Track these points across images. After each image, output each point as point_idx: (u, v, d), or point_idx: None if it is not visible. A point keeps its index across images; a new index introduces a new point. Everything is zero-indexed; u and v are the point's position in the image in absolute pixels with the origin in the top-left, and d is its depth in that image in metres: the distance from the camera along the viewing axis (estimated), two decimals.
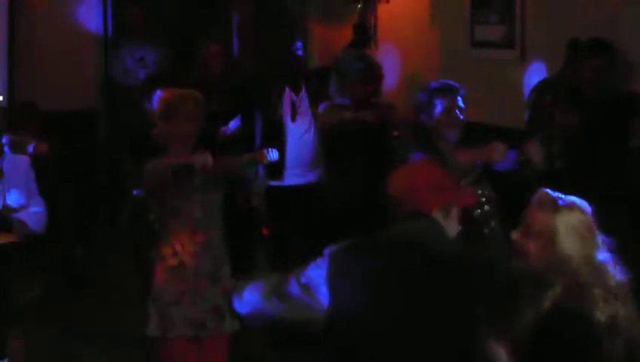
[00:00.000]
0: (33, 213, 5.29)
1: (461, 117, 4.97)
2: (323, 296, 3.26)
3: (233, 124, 6.96)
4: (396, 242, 3.23)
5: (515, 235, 3.34)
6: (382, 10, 8.81)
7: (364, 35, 8.45)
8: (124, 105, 8.53)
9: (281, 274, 3.45)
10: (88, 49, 9.17)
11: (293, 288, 3.34)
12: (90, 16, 9.15)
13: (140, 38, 9.07)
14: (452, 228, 3.33)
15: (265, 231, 6.67)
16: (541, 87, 6.41)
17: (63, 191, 7.72)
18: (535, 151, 4.80)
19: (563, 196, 3.30)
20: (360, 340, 3.21)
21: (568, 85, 6.13)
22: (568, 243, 3.19)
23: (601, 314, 3.12)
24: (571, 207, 3.24)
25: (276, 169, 6.29)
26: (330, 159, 6.25)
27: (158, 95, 5.04)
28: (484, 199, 4.93)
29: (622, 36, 6.09)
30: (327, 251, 3.32)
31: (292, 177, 6.49)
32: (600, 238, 3.26)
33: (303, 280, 3.32)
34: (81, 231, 8.27)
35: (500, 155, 4.69)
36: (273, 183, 6.49)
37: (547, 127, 5.95)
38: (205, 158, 4.72)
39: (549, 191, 3.33)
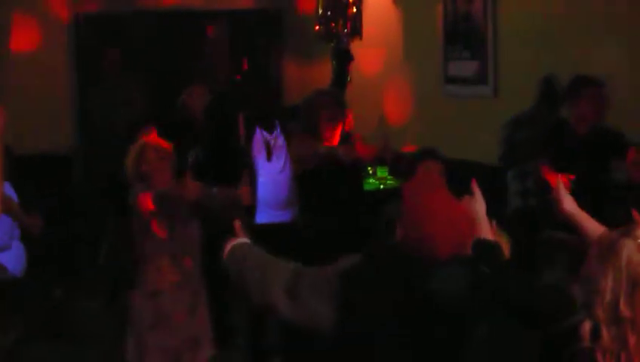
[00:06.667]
0: (13, 256, 5.29)
1: None
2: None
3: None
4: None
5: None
6: (355, 46, 8.88)
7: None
8: (100, 148, 8.51)
9: (297, 268, 3.34)
10: (65, 91, 9.18)
11: (306, 290, 3.21)
12: (67, 59, 9.17)
13: (117, 80, 9.05)
14: None
15: None
16: (514, 123, 6.44)
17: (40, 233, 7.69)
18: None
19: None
20: None
21: (545, 120, 6.15)
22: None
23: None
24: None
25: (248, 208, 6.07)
26: (305, 198, 6.14)
27: (131, 143, 5.15)
28: None
29: (595, 73, 6.11)
30: (341, 266, 3.23)
31: (265, 216, 6.14)
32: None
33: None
34: (59, 274, 8.23)
35: None
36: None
37: (520, 163, 5.98)
38: (192, 189, 4.84)
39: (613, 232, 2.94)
